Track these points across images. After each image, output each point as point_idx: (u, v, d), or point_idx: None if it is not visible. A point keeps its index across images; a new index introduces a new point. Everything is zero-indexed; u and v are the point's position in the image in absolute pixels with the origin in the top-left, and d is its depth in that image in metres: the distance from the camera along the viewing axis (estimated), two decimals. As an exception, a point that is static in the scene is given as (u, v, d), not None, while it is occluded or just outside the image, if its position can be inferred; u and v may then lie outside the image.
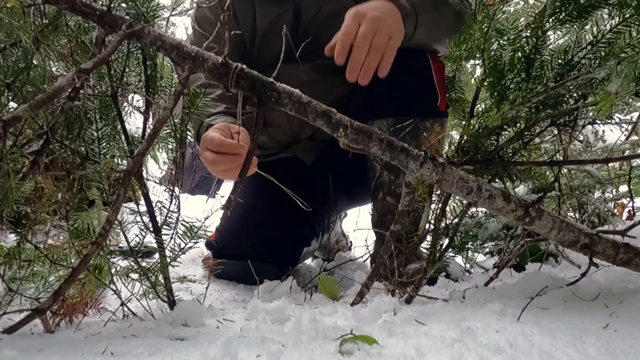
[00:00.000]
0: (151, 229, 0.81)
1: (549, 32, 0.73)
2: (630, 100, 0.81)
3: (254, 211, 1.31)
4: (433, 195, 0.82)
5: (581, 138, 1.48)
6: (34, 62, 0.79)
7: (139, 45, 0.81)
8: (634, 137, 1.47)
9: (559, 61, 0.74)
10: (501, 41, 0.74)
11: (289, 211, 1.06)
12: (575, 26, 0.73)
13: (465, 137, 0.81)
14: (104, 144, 0.83)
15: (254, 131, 0.79)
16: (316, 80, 1.16)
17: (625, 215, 1.49)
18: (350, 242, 1.83)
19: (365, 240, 1.67)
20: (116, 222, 0.77)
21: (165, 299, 0.83)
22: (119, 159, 0.87)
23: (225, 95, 1.27)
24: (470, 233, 1.04)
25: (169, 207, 0.81)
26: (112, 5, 0.75)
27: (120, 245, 1.10)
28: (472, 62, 1.05)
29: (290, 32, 1.21)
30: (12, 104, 0.78)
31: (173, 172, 0.84)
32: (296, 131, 1.35)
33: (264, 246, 1.28)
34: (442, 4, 1.10)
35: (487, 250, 1.42)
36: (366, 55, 0.93)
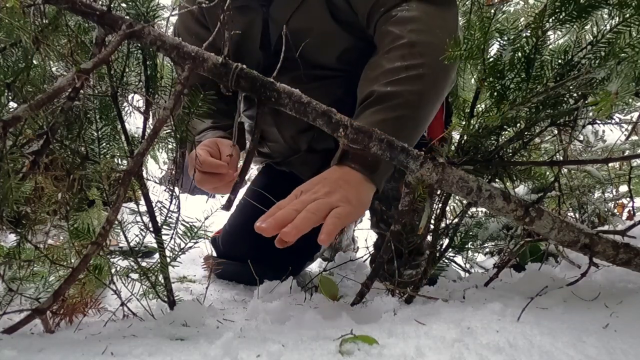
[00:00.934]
0: (151, 229, 0.81)
1: (549, 32, 0.73)
2: (630, 100, 0.81)
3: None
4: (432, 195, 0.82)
5: (581, 138, 1.49)
6: (34, 62, 0.79)
7: (139, 45, 0.81)
8: (634, 137, 1.47)
9: (559, 61, 0.74)
10: (501, 41, 0.74)
11: None
12: (575, 26, 0.73)
13: (465, 137, 0.81)
14: (104, 144, 0.83)
15: (254, 131, 0.79)
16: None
17: (625, 215, 1.49)
18: (357, 247, 1.81)
19: (365, 240, 1.67)
20: (116, 222, 0.77)
21: (165, 299, 0.83)
22: (119, 159, 0.87)
23: (211, 111, 1.25)
24: (470, 233, 1.04)
25: (169, 207, 0.82)
26: (112, 5, 0.75)
27: (120, 245, 1.11)
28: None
29: (261, 43, 1.16)
30: (12, 104, 0.78)
31: (173, 172, 0.84)
32: (292, 144, 1.29)
33: (265, 256, 1.25)
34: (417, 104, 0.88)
35: (487, 250, 1.42)
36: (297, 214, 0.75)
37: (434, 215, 0.88)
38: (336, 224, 0.75)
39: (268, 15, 1.14)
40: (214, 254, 1.42)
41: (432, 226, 0.89)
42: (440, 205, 0.89)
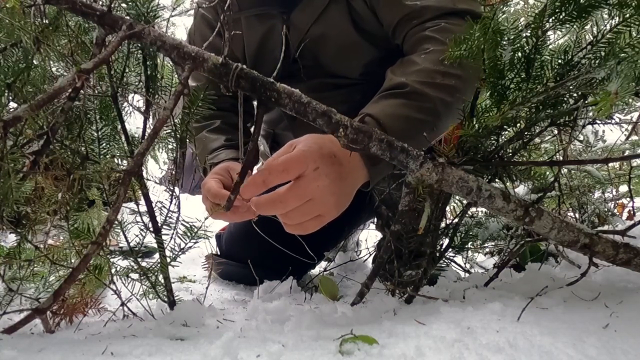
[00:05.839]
0: (151, 229, 0.81)
1: (549, 32, 0.73)
2: (630, 100, 0.81)
3: (262, 225, 1.25)
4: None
5: (581, 138, 1.49)
6: (35, 62, 0.79)
7: (139, 45, 0.81)
8: (634, 137, 1.47)
9: (559, 61, 0.74)
10: (501, 41, 0.73)
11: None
12: (575, 26, 0.73)
13: (465, 137, 0.81)
14: (104, 144, 0.83)
15: (254, 131, 0.79)
16: (315, 99, 1.09)
17: (625, 215, 1.49)
18: (360, 250, 1.80)
19: (366, 240, 1.67)
20: (116, 222, 0.77)
21: (165, 299, 0.83)
22: (119, 159, 0.87)
23: (225, 125, 1.22)
24: (471, 233, 1.04)
25: (169, 207, 0.82)
26: (112, 6, 0.75)
27: (120, 245, 1.11)
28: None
29: (283, 52, 1.16)
30: (13, 104, 0.78)
31: (173, 172, 0.84)
32: None
33: (268, 261, 1.23)
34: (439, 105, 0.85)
35: (487, 250, 1.42)
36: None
37: (434, 215, 0.88)
38: (307, 230, 0.76)
39: (289, 23, 1.12)
40: (217, 251, 1.42)
41: (432, 226, 0.89)
42: (440, 205, 0.89)
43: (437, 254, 0.91)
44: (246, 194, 0.75)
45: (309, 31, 1.11)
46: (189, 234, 0.81)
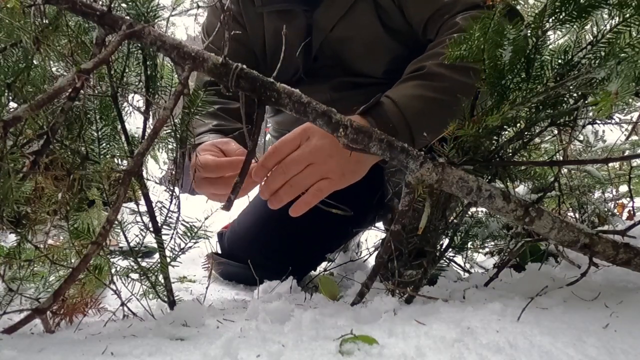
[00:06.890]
0: (151, 229, 0.81)
1: (549, 32, 0.73)
2: (630, 100, 0.81)
3: (267, 226, 1.24)
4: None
5: (581, 138, 1.49)
6: (34, 62, 0.79)
7: (139, 45, 0.81)
8: (634, 137, 1.47)
9: (559, 61, 0.74)
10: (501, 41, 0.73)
11: (304, 231, 1.00)
12: (575, 26, 0.73)
13: (465, 137, 0.81)
14: (104, 144, 0.83)
15: (253, 132, 0.79)
16: (336, 99, 1.06)
17: (625, 215, 1.49)
18: (361, 251, 1.79)
19: (366, 240, 1.67)
20: (116, 222, 0.77)
21: (165, 299, 0.83)
22: (119, 159, 0.87)
23: (220, 112, 1.20)
24: (471, 233, 1.04)
25: (169, 207, 0.82)
26: (112, 6, 0.75)
27: (120, 245, 1.11)
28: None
29: (303, 50, 1.11)
30: (13, 104, 0.78)
31: (173, 172, 0.84)
32: None
33: (271, 262, 1.23)
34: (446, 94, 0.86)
35: (487, 250, 1.42)
36: (283, 185, 0.80)
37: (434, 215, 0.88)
38: (310, 201, 0.81)
39: (312, 21, 1.11)
40: (217, 250, 1.42)
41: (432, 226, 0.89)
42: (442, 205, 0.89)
43: (437, 254, 0.91)
44: (256, 177, 0.82)
45: (334, 30, 1.09)
46: (189, 234, 0.81)
